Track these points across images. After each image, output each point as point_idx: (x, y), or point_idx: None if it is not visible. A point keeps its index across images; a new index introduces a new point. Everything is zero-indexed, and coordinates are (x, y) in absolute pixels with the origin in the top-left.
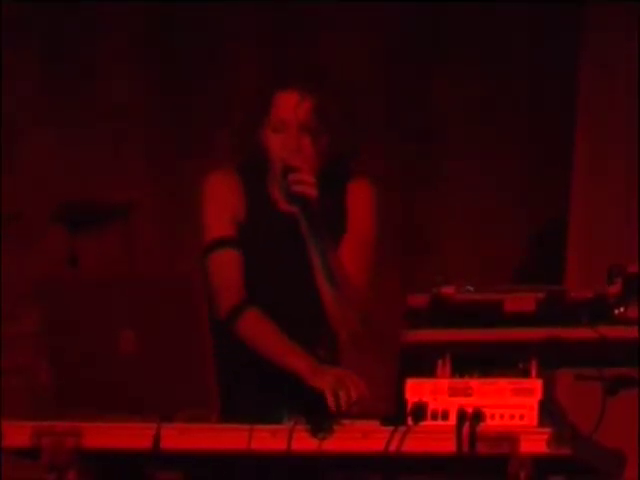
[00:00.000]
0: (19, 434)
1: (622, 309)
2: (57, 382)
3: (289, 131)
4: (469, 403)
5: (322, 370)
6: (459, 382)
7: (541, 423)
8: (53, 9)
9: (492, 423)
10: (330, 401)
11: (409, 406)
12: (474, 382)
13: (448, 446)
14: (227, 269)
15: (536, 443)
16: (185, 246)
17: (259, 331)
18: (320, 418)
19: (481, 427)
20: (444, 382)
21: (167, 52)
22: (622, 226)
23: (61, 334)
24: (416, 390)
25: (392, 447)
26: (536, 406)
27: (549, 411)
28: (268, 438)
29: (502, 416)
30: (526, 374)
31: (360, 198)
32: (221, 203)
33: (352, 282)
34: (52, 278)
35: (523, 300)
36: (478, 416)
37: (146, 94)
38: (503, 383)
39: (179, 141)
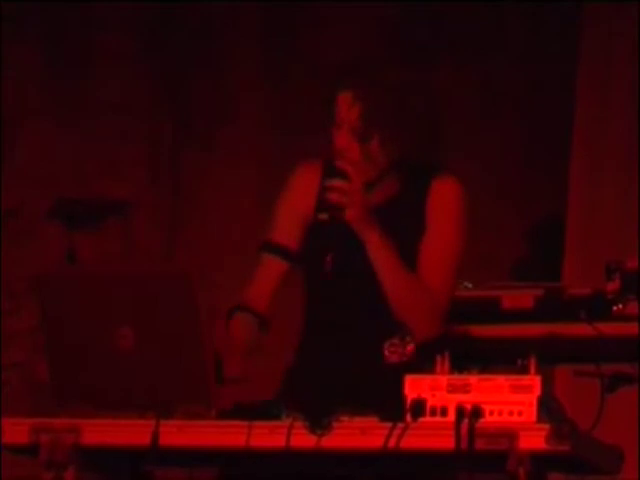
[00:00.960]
0: (17, 431)
1: (620, 306)
2: (55, 379)
3: (342, 131)
4: (468, 399)
5: None
6: (458, 378)
7: (540, 419)
8: (54, 7)
9: (491, 419)
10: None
11: (408, 402)
12: (473, 378)
13: (447, 442)
14: (260, 272)
15: (535, 439)
16: (184, 244)
17: (235, 331)
18: (318, 415)
19: (480, 423)
20: (443, 378)
21: (167, 50)
22: (620, 223)
23: (59, 330)
24: (415, 386)
25: (391, 443)
26: (535, 402)
27: (548, 407)
28: (267, 435)
29: (501, 412)
30: (524, 370)
31: (443, 198)
32: (294, 201)
33: (430, 290)
34: (50, 274)
35: (521, 297)
36: (477, 412)
37: (146, 92)
38: (502, 380)
39: (179, 140)
